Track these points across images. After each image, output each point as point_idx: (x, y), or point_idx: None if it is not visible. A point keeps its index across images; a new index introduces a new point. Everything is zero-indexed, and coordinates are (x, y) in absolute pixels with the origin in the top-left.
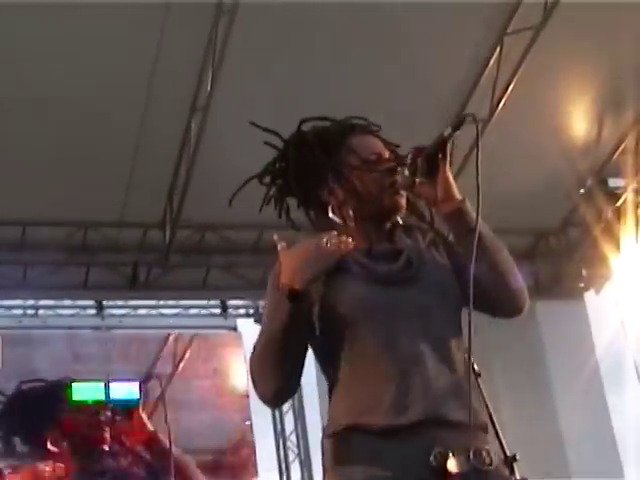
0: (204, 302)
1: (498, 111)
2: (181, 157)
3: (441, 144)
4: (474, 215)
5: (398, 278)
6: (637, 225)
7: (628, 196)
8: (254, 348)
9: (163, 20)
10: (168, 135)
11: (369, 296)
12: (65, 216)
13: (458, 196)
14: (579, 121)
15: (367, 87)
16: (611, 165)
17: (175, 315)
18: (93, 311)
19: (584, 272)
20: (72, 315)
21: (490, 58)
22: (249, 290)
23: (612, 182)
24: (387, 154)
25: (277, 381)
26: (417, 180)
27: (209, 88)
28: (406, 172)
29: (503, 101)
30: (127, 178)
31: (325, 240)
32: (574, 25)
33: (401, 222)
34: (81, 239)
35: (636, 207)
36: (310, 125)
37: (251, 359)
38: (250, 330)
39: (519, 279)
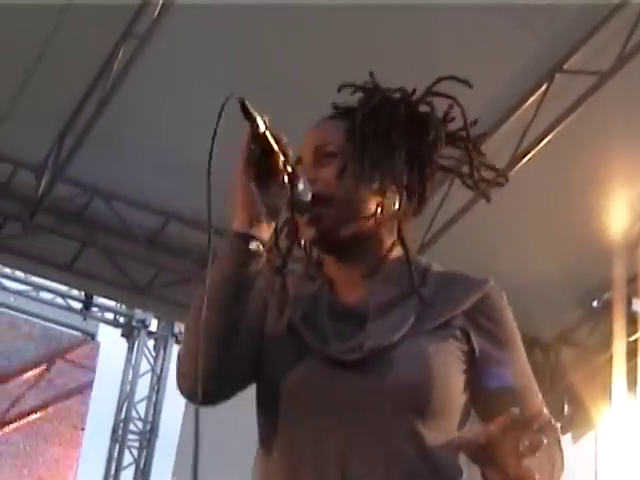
0: (64, 289)
1: (520, 166)
2: (92, 91)
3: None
4: None
5: (343, 359)
6: None
7: None
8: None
9: None
10: (84, 57)
11: (305, 378)
12: None
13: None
14: (621, 211)
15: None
16: None
17: (19, 293)
18: None
19: (566, 409)
20: None
21: (530, 95)
22: (128, 292)
23: (637, 305)
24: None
25: (208, 359)
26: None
27: (156, 14)
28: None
29: (530, 155)
30: (13, 96)
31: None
32: None
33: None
34: None
35: None
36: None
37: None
38: (112, 344)
39: None
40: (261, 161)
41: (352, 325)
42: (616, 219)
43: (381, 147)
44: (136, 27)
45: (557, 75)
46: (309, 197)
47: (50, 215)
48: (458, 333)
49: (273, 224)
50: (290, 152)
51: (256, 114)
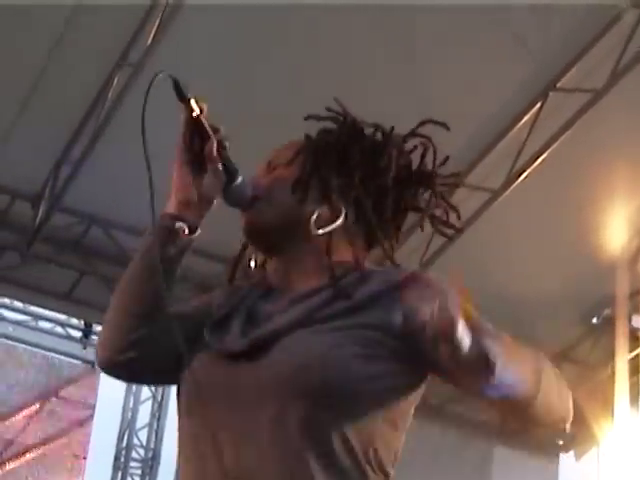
0: (63, 318)
1: (516, 184)
2: (87, 119)
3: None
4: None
5: (228, 350)
6: None
7: None
8: None
9: None
10: (78, 86)
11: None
12: None
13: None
14: (620, 227)
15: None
16: None
17: (18, 323)
18: None
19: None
20: None
21: (524, 114)
22: None
23: (637, 321)
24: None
25: (122, 330)
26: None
27: (149, 41)
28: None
29: (526, 173)
30: (9, 127)
31: None
32: None
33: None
34: None
35: None
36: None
37: None
38: None
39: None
40: (196, 146)
41: (256, 325)
42: (614, 235)
43: (334, 166)
44: (130, 55)
45: (551, 93)
46: (247, 194)
47: (48, 244)
48: (376, 320)
49: (205, 211)
50: (227, 143)
51: (190, 96)
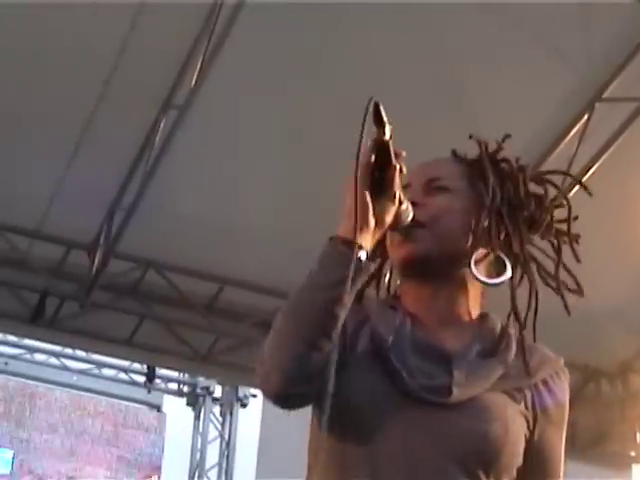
0: (126, 364)
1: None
2: (137, 164)
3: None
4: None
5: (432, 400)
6: None
7: None
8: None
9: None
10: (125, 131)
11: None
12: None
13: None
14: None
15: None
16: None
17: (83, 372)
18: None
19: (638, 437)
20: None
21: (572, 127)
22: (190, 361)
23: None
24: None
25: (291, 357)
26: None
27: (194, 82)
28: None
29: (578, 186)
30: (59, 177)
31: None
32: None
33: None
34: None
35: None
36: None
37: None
38: (177, 413)
39: None
40: (377, 170)
41: (434, 364)
42: None
43: (505, 212)
44: (175, 97)
45: (597, 104)
46: (409, 218)
47: (106, 291)
48: (528, 401)
49: (377, 236)
50: (405, 169)
51: (386, 120)
